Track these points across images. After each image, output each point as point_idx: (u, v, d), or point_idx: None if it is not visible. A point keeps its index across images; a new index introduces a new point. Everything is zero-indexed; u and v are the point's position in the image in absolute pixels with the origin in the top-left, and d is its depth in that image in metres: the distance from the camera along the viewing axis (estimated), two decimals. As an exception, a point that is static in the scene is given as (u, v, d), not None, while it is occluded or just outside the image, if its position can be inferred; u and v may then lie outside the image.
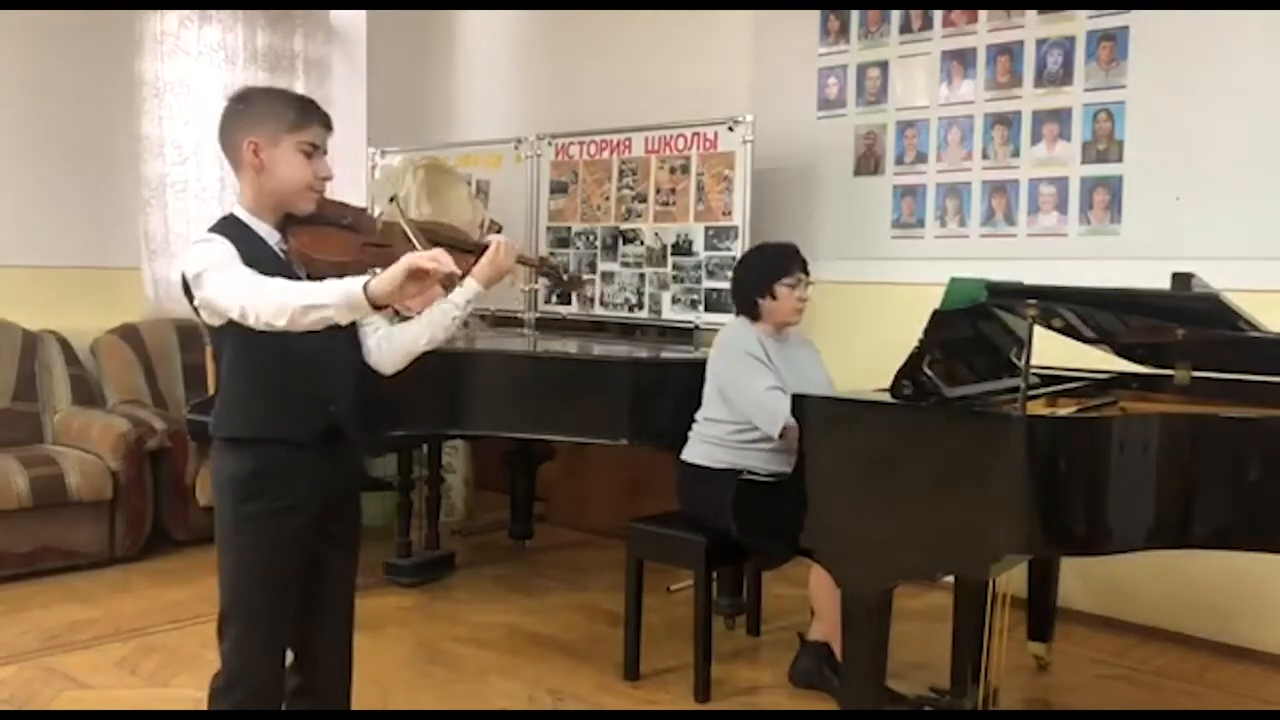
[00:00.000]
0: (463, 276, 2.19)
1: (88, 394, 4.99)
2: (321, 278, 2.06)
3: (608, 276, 5.07)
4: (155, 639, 3.75)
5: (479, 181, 5.53)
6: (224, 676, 2.21)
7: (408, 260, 1.92)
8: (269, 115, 2.15)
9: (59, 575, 4.40)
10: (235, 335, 2.11)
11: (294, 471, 2.17)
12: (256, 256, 2.11)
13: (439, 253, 1.96)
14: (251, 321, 1.98)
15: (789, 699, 3.34)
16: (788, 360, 3.36)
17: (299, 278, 2.11)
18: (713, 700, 3.29)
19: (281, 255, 2.16)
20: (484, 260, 2.22)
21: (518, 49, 6.04)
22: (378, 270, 2.02)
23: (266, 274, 2.05)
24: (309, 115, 2.18)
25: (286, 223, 2.18)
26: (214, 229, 2.15)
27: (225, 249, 2.07)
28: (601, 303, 5.10)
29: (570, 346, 4.68)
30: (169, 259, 5.42)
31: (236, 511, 2.16)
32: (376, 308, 1.96)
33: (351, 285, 1.93)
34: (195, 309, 2.15)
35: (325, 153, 2.21)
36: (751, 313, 3.39)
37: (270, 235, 2.17)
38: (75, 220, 5.21)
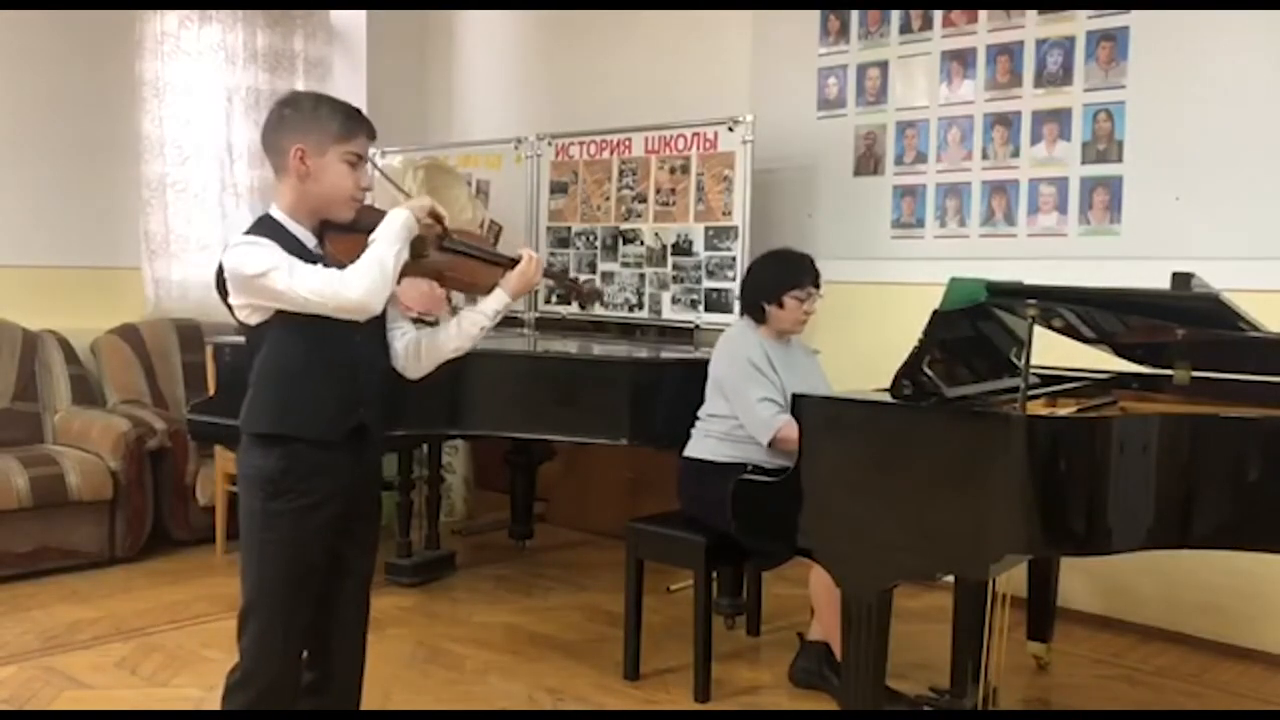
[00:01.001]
0: (492, 288, 2.32)
1: (88, 394, 4.99)
2: None
3: (608, 276, 5.06)
4: (155, 639, 3.75)
5: (479, 181, 5.53)
6: (241, 670, 2.22)
7: (431, 200, 2.22)
8: (317, 124, 2.18)
9: (59, 575, 4.40)
10: (274, 333, 2.14)
11: (321, 470, 2.19)
12: (294, 257, 2.13)
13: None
14: (348, 307, 2.09)
15: (789, 699, 3.34)
16: (791, 364, 3.37)
17: None
18: (713, 700, 3.29)
19: (315, 257, 2.18)
20: (515, 273, 2.31)
21: (518, 49, 6.04)
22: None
23: None
24: (356, 126, 2.22)
25: (323, 228, 2.22)
26: (255, 230, 2.17)
27: (279, 249, 2.11)
28: (602, 303, 5.10)
29: (570, 346, 4.68)
30: (169, 259, 5.43)
31: (264, 507, 2.18)
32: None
33: (399, 217, 2.16)
34: (230, 306, 2.18)
35: (367, 162, 2.23)
36: (756, 316, 3.40)
37: (307, 239, 2.21)
38: (75, 220, 5.21)
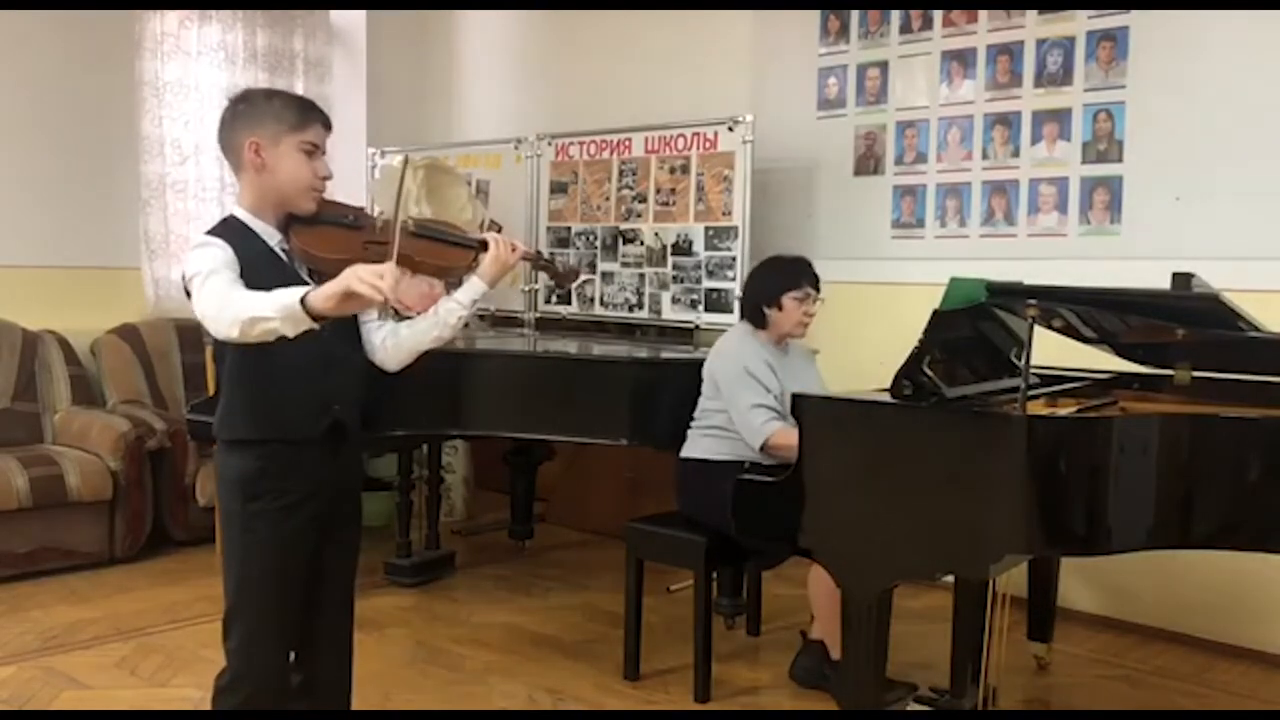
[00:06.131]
0: (466, 273, 2.27)
1: (88, 394, 4.99)
2: (325, 276, 2.10)
3: (608, 276, 5.07)
4: (155, 639, 3.75)
5: (479, 181, 5.53)
6: (228, 674, 2.22)
7: (346, 280, 1.86)
8: (270, 115, 2.16)
9: (59, 575, 4.40)
10: None
11: (298, 470, 2.18)
12: (256, 257, 2.13)
13: (386, 271, 1.88)
14: (214, 331, 2.00)
15: (789, 699, 3.34)
16: (790, 370, 3.37)
17: (301, 277, 2.16)
18: (713, 700, 3.29)
19: (282, 255, 2.18)
20: (488, 258, 2.27)
21: (518, 49, 6.04)
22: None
23: (266, 274, 2.07)
24: (309, 115, 2.19)
25: (288, 222, 2.20)
26: (213, 231, 2.16)
27: (219, 255, 2.07)
28: (601, 303, 5.10)
29: (570, 346, 4.68)
30: (169, 259, 5.42)
31: (243, 510, 2.18)
32: (316, 320, 1.90)
33: (289, 297, 1.89)
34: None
35: (325, 153, 2.22)
36: (756, 321, 3.41)
37: (271, 235, 2.19)
38: (75, 220, 5.21)
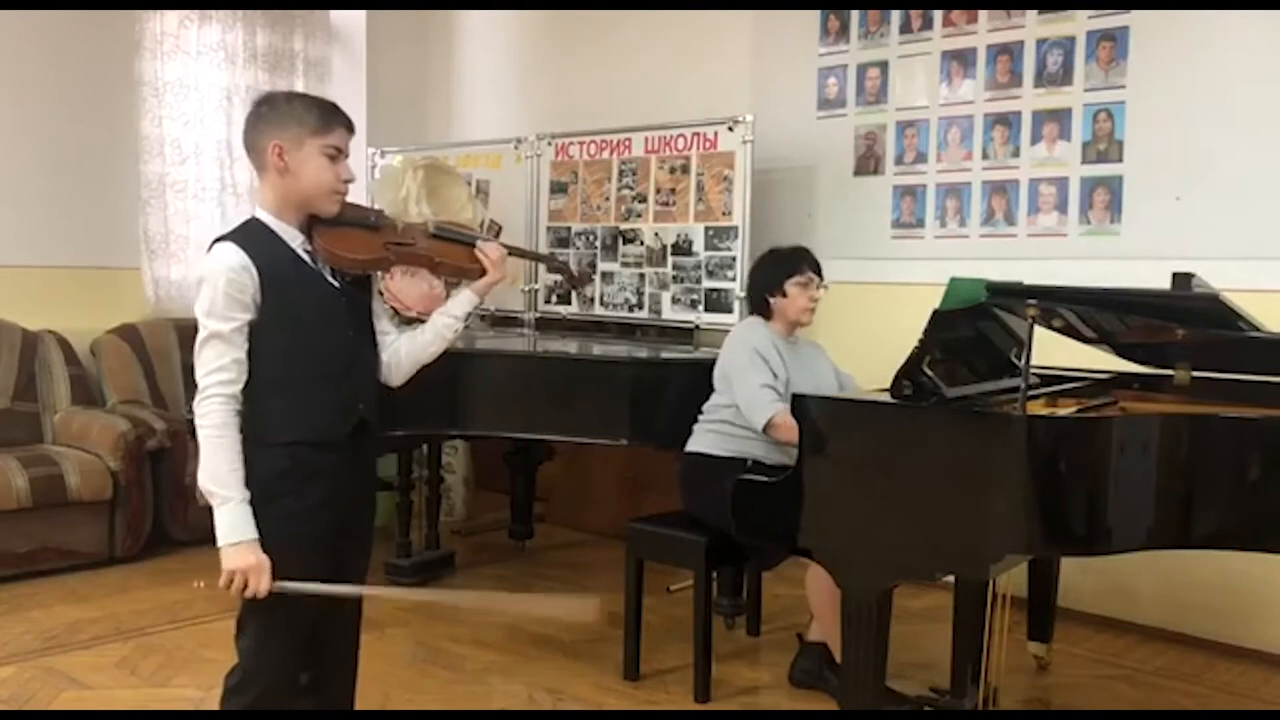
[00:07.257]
0: (484, 273, 2.35)
1: (88, 394, 4.99)
2: (347, 275, 2.22)
3: (608, 276, 5.07)
4: (155, 639, 3.75)
5: (479, 181, 5.53)
6: (239, 673, 2.22)
7: (227, 567, 2.10)
8: (293, 118, 2.18)
9: (59, 575, 4.40)
10: (263, 338, 2.13)
11: (320, 471, 2.19)
12: (279, 260, 2.15)
13: (256, 584, 2.10)
14: (195, 400, 2.12)
15: (789, 699, 3.34)
16: (800, 361, 3.38)
17: (325, 278, 2.21)
18: (713, 700, 3.29)
19: (304, 256, 2.19)
20: (485, 278, 2.35)
21: (518, 49, 6.04)
22: (394, 273, 2.08)
23: (290, 278, 2.14)
24: (333, 119, 2.21)
25: (311, 224, 2.22)
26: (235, 235, 2.17)
27: (235, 282, 2.09)
28: (601, 303, 5.10)
29: (570, 346, 4.68)
30: (169, 259, 5.43)
31: (263, 511, 2.16)
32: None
33: (223, 522, 2.09)
34: None
35: (348, 156, 2.24)
36: (764, 311, 3.43)
37: (294, 237, 2.20)
38: (75, 220, 5.21)
